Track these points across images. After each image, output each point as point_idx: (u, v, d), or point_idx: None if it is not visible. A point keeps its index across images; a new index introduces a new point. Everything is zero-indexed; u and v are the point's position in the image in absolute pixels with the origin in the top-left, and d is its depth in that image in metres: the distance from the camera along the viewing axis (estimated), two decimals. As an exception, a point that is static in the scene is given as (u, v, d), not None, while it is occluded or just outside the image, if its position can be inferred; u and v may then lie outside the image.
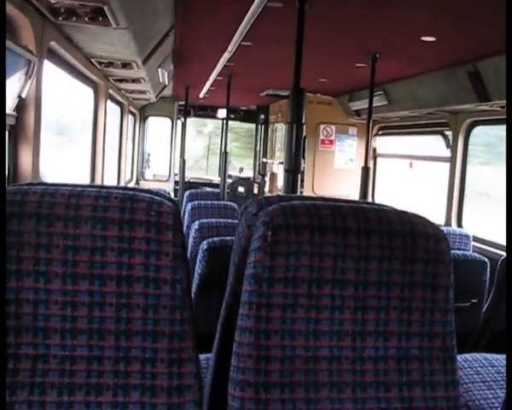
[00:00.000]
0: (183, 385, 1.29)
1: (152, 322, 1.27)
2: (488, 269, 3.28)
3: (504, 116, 4.81)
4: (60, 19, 2.57)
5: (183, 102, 9.20)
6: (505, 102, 4.28)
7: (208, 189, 9.37)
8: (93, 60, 4.03)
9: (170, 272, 1.26)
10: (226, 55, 4.96)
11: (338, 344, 1.33)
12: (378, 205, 1.51)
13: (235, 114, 10.81)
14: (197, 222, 3.86)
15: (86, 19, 2.56)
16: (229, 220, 4.03)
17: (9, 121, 2.53)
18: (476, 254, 3.38)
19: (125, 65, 4.14)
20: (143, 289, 1.26)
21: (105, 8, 2.34)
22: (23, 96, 2.55)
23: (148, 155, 10.71)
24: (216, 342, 1.64)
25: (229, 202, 5.22)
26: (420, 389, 1.37)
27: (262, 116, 10.43)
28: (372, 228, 1.34)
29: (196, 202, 4.92)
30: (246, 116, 10.99)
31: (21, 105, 2.59)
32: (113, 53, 3.65)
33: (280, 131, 8.98)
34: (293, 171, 2.98)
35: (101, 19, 2.57)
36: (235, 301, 1.49)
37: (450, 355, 1.41)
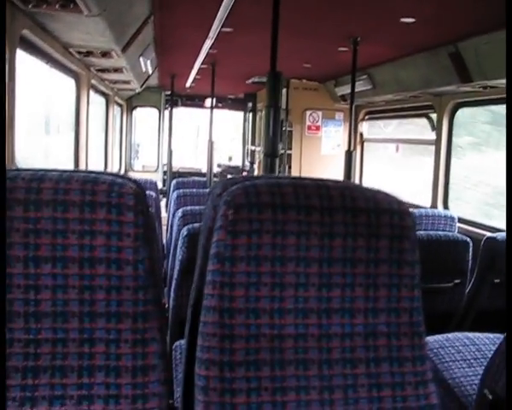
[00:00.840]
0: (147, 365, 1.28)
1: (115, 303, 1.27)
2: (471, 249, 3.29)
3: (487, 97, 4.82)
4: (29, 6, 2.54)
5: (169, 92, 9.18)
6: (489, 82, 4.29)
7: (196, 178, 9.35)
8: (71, 49, 3.99)
9: (132, 253, 1.26)
10: (208, 42, 4.93)
11: (303, 322, 1.32)
12: (343, 182, 1.51)
13: (223, 102, 10.78)
14: (181, 210, 3.85)
15: (57, 6, 2.54)
16: None
17: None
18: (459, 235, 3.39)
19: (105, 54, 4.11)
20: (106, 271, 1.25)
21: (75, -6, 2.33)
22: (-6, 85, 2.53)
23: (138, 145, 10.69)
24: (187, 325, 1.64)
25: None
26: (387, 364, 1.37)
27: (250, 104, 10.41)
28: (336, 205, 1.33)
29: (182, 191, 4.90)
30: (234, 104, 10.96)
31: (-6, 94, 2.57)
32: (90, 41, 3.62)
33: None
34: (272, 154, 2.98)
35: (72, 6, 2.54)
36: (202, 282, 1.49)
37: (418, 331, 1.41)
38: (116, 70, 5.11)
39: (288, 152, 7.79)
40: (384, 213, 1.37)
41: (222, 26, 4.21)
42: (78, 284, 1.25)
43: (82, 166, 4.97)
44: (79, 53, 4.12)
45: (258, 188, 1.32)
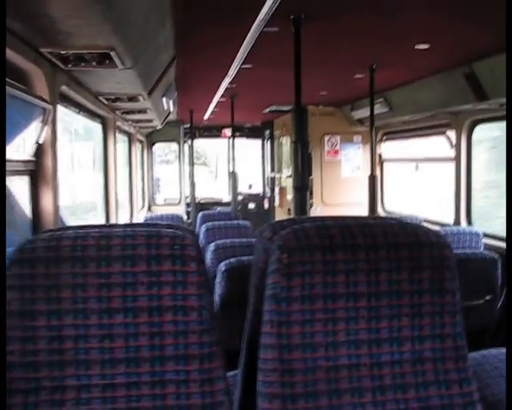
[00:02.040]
0: (215, 402, 1.39)
1: (183, 347, 1.38)
2: (500, 265, 3.35)
3: (503, 113, 4.90)
4: (69, 66, 2.71)
5: (187, 125, 9.38)
6: (504, 100, 4.37)
7: (219, 208, 9.48)
8: (100, 97, 4.18)
9: (196, 300, 1.37)
10: (228, 79, 5.10)
11: (355, 352, 1.43)
12: (383, 218, 1.62)
13: (241, 131, 10.94)
14: (212, 244, 3.97)
15: (94, 63, 2.70)
16: (244, 240, 4.14)
17: (30, 167, 2.67)
18: (486, 252, 3.46)
19: (131, 98, 4.28)
20: (173, 318, 1.37)
21: (111, 53, 2.48)
22: (40, 141, 2.69)
23: (158, 179, 10.87)
24: (242, 360, 1.75)
25: (241, 221, 5.33)
26: (435, 388, 1.46)
27: (267, 132, 10.57)
28: (379, 242, 1.45)
29: (210, 224, 5.03)
30: (251, 133, 11.12)
31: (39, 150, 2.74)
32: (119, 89, 3.79)
33: (285, 145, 9.11)
34: (302, 188, 3.10)
35: (107, 62, 2.71)
36: (256, 320, 1.60)
37: (462, 354, 1.50)
38: (140, 111, 5.29)
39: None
40: (424, 247, 1.48)
41: (241, 64, 4.36)
42: (148, 331, 1.37)
43: (112, 207, 5.14)
44: (107, 99, 4.30)
45: (307, 231, 1.44)
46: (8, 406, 1.33)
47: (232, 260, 3.05)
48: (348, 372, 1.43)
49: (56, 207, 2.80)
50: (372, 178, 4.80)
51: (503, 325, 3.45)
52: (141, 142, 8.97)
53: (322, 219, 1.67)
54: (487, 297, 3.37)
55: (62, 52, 2.49)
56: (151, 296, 1.36)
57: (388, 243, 1.46)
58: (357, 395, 1.42)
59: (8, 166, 2.45)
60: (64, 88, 3.08)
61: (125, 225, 1.46)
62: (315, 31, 3.38)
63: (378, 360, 1.44)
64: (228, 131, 10.66)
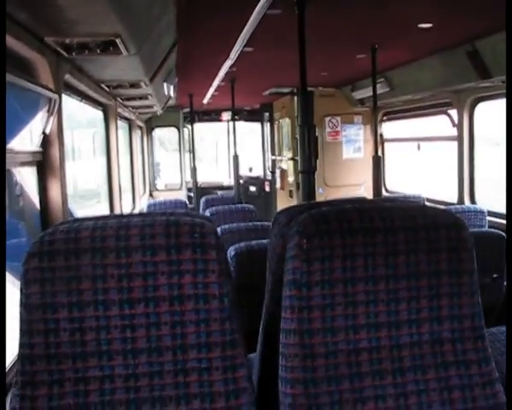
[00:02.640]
0: (238, 389, 1.40)
1: (205, 335, 1.39)
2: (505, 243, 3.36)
3: (505, 90, 4.87)
4: (73, 54, 2.69)
5: (187, 110, 9.33)
6: (505, 81, 4.35)
7: (220, 192, 9.48)
8: (102, 84, 4.16)
9: (217, 288, 1.38)
10: (228, 63, 5.06)
11: (376, 335, 1.44)
12: (400, 201, 1.63)
13: (239, 114, 10.91)
14: (219, 228, 3.97)
15: (98, 51, 2.68)
16: (250, 223, 4.15)
17: (37, 158, 2.66)
18: (493, 230, 3.47)
19: (133, 85, 4.26)
20: (194, 306, 1.37)
21: (117, 40, 2.47)
22: (47, 132, 2.68)
23: (158, 164, 10.85)
24: (260, 345, 1.76)
25: (245, 205, 5.33)
26: (454, 368, 1.47)
27: (266, 114, 10.53)
28: (397, 225, 1.45)
29: (214, 209, 5.03)
30: (250, 116, 11.08)
31: (46, 141, 2.72)
32: (121, 76, 3.77)
33: (285, 127, 9.08)
34: (309, 171, 3.10)
35: (112, 49, 2.69)
36: (274, 305, 1.61)
37: (480, 334, 1.51)
38: (141, 97, 5.27)
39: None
40: (442, 228, 1.48)
41: (243, 47, 4.34)
42: (170, 320, 1.37)
43: (115, 193, 5.13)
44: (109, 86, 4.28)
45: (325, 216, 1.44)
46: (34, 398, 1.34)
47: (241, 244, 3.06)
48: (369, 355, 1.44)
49: (64, 198, 2.80)
50: (377, 159, 4.79)
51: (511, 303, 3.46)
52: (140, 128, 8.94)
53: (339, 202, 1.67)
54: (494, 275, 3.38)
55: (67, 41, 2.47)
56: (172, 285, 1.37)
57: (406, 225, 1.46)
58: (378, 378, 1.44)
59: (16, 158, 2.45)
60: (67, 76, 3.06)
61: (143, 215, 1.46)
62: (318, 12, 3.35)
63: (398, 342, 1.46)
64: (226, 115, 10.63)
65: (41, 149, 2.70)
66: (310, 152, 3.10)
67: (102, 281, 1.35)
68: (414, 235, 1.45)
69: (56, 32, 2.36)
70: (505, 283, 3.44)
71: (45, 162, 2.72)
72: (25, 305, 1.34)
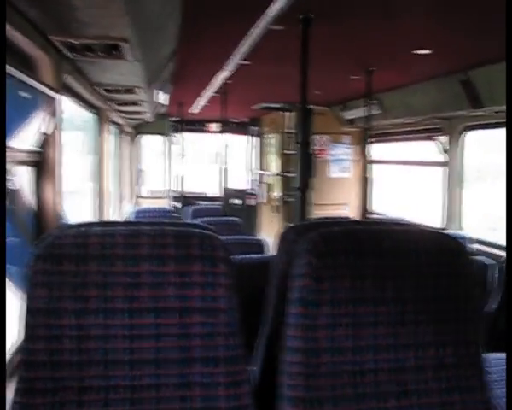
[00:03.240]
0: (241, 405, 1.38)
1: (209, 349, 1.37)
2: (496, 270, 3.40)
3: (496, 121, 4.96)
4: (76, 55, 2.67)
5: (173, 119, 9.31)
6: (499, 108, 4.43)
7: (203, 203, 9.44)
8: (98, 88, 4.12)
9: (225, 302, 1.36)
10: (223, 74, 5.07)
11: (381, 357, 1.44)
12: (407, 225, 1.63)
13: (227, 126, 10.90)
14: None
15: (102, 54, 2.66)
16: (237, 237, 4.14)
17: (35, 158, 2.62)
18: (477, 258, 3.51)
19: (129, 90, 4.24)
20: (201, 319, 1.36)
21: (124, 45, 2.45)
22: (46, 131, 2.64)
23: (141, 171, 10.77)
24: (260, 361, 1.74)
25: (231, 218, 5.32)
26: (457, 394, 1.48)
27: (253, 128, 10.55)
28: (406, 248, 1.46)
29: (203, 219, 5.00)
30: (237, 129, 11.08)
31: (44, 141, 2.69)
32: (120, 81, 3.75)
33: (273, 142, 9.10)
34: (304, 188, 3.10)
35: (115, 53, 2.67)
36: (277, 322, 1.60)
37: (480, 360, 1.52)
38: (134, 103, 5.24)
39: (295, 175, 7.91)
40: (445, 253, 1.49)
41: (240, 60, 4.34)
42: (177, 333, 1.35)
43: (105, 199, 5.09)
44: (105, 90, 4.25)
45: (336, 235, 1.44)
46: (34, 406, 1.30)
47: (232, 257, 3.03)
48: (374, 377, 1.43)
49: (59, 200, 2.75)
50: (365, 180, 4.82)
51: (496, 330, 3.49)
52: (128, 133, 8.90)
53: (345, 222, 1.67)
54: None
55: (72, 41, 2.44)
56: (180, 297, 1.35)
57: (413, 248, 1.47)
58: (383, 400, 1.43)
59: (15, 157, 2.41)
60: (66, 77, 3.03)
61: (153, 224, 1.44)
62: (320, 31, 3.37)
63: (403, 364, 1.45)
64: (213, 126, 10.61)
65: (40, 149, 2.66)
66: (306, 169, 3.11)
67: (110, 289, 1.32)
68: (420, 259, 1.46)
69: (64, 32, 2.33)
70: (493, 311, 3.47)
71: (43, 163, 2.68)
72: (29, 309, 1.31)
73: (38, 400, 1.30)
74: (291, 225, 1.74)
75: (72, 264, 1.30)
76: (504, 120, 4.81)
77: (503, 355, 2.86)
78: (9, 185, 2.50)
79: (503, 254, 4.41)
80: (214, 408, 1.37)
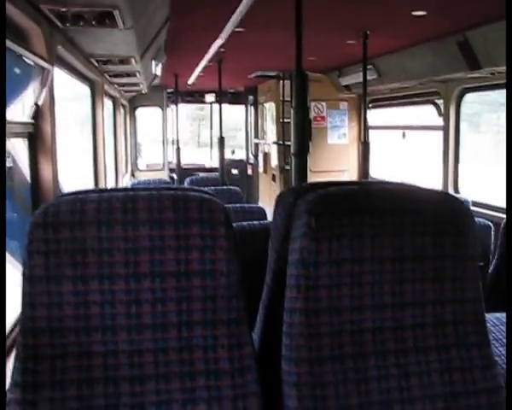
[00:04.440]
0: (244, 367, 1.40)
1: (211, 312, 1.38)
2: (492, 232, 3.41)
3: (493, 82, 4.92)
4: (67, 25, 2.63)
5: (170, 90, 9.23)
6: (496, 69, 4.39)
7: (202, 174, 9.43)
8: (92, 59, 4.08)
9: (225, 264, 1.37)
10: (218, 42, 5.01)
11: (380, 316, 1.45)
12: (407, 185, 1.63)
13: (223, 96, 10.82)
14: None
15: (93, 23, 2.62)
16: (238, 205, 4.14)
17: (28, 129, 2.61)
18: (480, 219, 3.51)
19: (123, 61, 4.19)
20: (201, 282, 1.36)
21: (115, 12, 2.41)
22: (39, 103, 2.62)
23: (139, 144, 10.74)
24: (260, 324, 1.75)
25: (232, 187, 5.31)
26: (455, 350, 1.49)
27: (251, 97, 10.48)
28: (404, 207, 1.46)
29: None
30: (234, 98, 11.02)
31: (38, 113, 2.67)
32: (113, 51, 3.71)
33: (270, 110, 9.05)
34: (302, 154, 3.09)
35: (107, 22, 2.63)
36: (277, 284, 1.60)
37: (481, 318, 1.54)
38: (129, 74, 5.19)
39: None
40: (448, 213, 1.49)
41: (234, 27, 4.29)
42: (176, 296, 1.36)
43: (101, 172, 5.07)
44: (98, 61, 4.20)
45: (334, 195, 1.44)
46: (36, 371, 1.31)
47: (233, 225, 3.04)
48: (372, 336, 1.45)
49: (55, 172, 2.75)
50: (364, 145, 4.81)
51: (494, 291, 3.52)
52: (124, 106, 8.83)
53: (342, 183, 1.66)
54: (480, 264, 3.42)
55: (62, 9, 2.41)
56: (179, 261, 1.35)
57: (413, 207, 1.47)
58: (381, 358, 1.45)
59: (8, 128, 2.39)
60: (59, 48, 3.00)
61: (150, 189, 1.44)
62: None
63: (401, 323, 1.47)
64: (209, 97, 10.54)
65: (32, 121, 2.64)
66: (303, 135, 3.09)
67: (108, 254, 1.32)
68: (420, 217, 1.46)
69: (54, 1, 2.30)
70: (491, 269, 3.49)
71: (37, 135, 2.67)
72: (28, 277, 1.31)
73: (39, 366, 1.31)
74: (289, 187, 1.73)
75: (69, 230, 1.30)
76: (503, 82, 4.78)
77: (500, 315, 2.89)
78: (7, 162, 2.49)
79: (502, 215, 4.41)
80: (216, 370, 1.38)
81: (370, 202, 1.44)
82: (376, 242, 1.42)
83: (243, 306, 1.41)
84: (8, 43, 2.12)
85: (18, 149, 2.63)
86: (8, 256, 2.34)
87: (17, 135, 2.54)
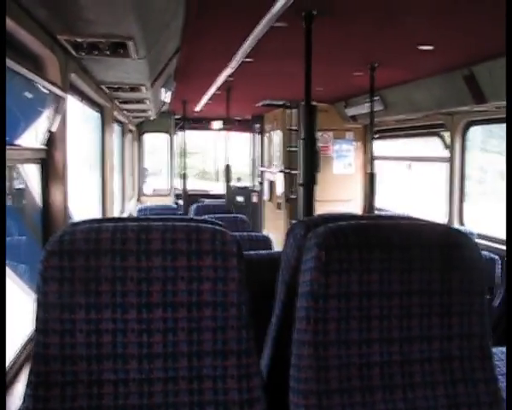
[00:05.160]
0: (253, 398, 1.40)
1: (221, 342, 1.39)
2: (499, 265, 3.42)
3: (498, 116, 4.97)
4: (82, 54, 2.69)
5: (178, 116, 9.32)
6: (504, 102, 4.43)
7: (207, 200, 9.47)
8: (103, 86, 4.14)
9: (236, 296, 1.38)
10: (227, 71, 5.08)
11: (388, 350, 1.46)
12: (416, 219, 1.65)
13: (230, 124, 10.91)
14: None
15: (107, 52, 2.68)
16: (245, 233, 4.15)
17: (41, 155, 2.65)
18: (486, 253, 3.53)
19: (133, 88, 4.25)
20: (212, 313, 1.38)
21: (129, 42, 2.47)
22: (53, 130, 2.66)
23: (146, 169, 10.81)
24: (268, 355, 1.76)
25: (238, 215, 5.33)
26: (463, 386, 1.49)
27: (257, 125, 10.56)
28: (413, 242, 1.47)
29: (206, 217, 5.00)
30: (240, 126, 11.10)
31: (51, 140, 2.71)
32: (124, 79, 3.77)
33: (276, 139, 9.11)
34: (309, 184, 3.12)
35: (121, 51, 2.69)
36: (285, 315, 1.61)
37: (488, 353, 1.54)
38: (138, 101, 5.26)
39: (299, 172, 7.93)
40: (455, 248, 1.51)
41: (244, 57, 4.35)
42: (187, 327, 1.37)
43: (109, 198, 5.11)
44: (109, 88, 4.27)
45: (344, 229, 1.46)
46: (46, 398, 1.32)
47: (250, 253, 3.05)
48: (380, 369, 1.45)
49: (66, 199, 2.78)
50: (371, 176, 4.84)
51: (501, 325, 3.51)
52: (131, 131, 8.91)
53: (353, 217, 1.69)
54: (487, 297, 3.43)
55: (79, 40, 2.46)
56: (191, 291, 1.37)
57: (421, 243, 1.49)
58: (389, 392, 1.45)
59: (22, 154, 2.43)
60: (72, 76, 3.05)
61: (164, 219, 1.46)
62: (323, 28, 3.38)
63: (409, 357, 1.47)
64: (216, 124, 10.63)
65: (45, 147, 2.68)
66: (311, 166, 3.12)
67: (121, 283, 1.34)
68: (428, 253, 1.48)
69: (70, 31, 2.35)
70: (498, 302, 3.49)
71: (49, 161, 2.70)
72: (42, 303, 1.33)
73: (50, 393, 1.32)
74: (300, 220, 1.75)
75: (83, 259, 1.32)
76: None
77: (506, 350, 2.88)
78: (17, 184, 2.52)
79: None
80: (225, 401, 1.39)
81: (380, 236, 1.46)
82: (385, 276, 1.44)
83: (253, 337, 1.42)
84: (24, 71, 2.17)
85: (29, 174, 2.67)
86: (17, 279, 2.36)
87: (30, 161, 2.58)
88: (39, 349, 1.33)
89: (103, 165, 5.10)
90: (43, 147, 2.66)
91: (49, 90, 2.55)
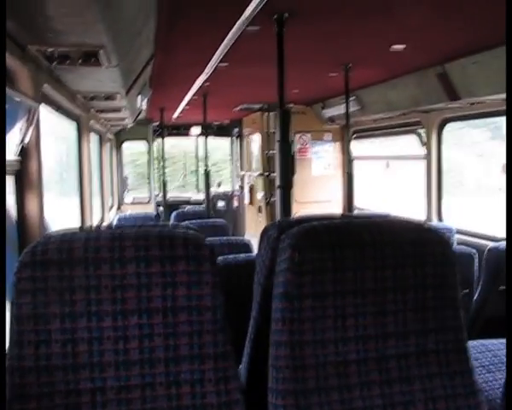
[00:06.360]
0: (231, 401, 1.41)
1: (197, 346, 1.39)
2: (476, 260, 3.45)
3: (473, 112, 5.04)
4: (53, 64, 2.67)
5: (156, 123, 9.30)
6: (477, 98, 4.50)
7: (188, 207, 9.44)
8: (78, 95, 4.12)
9: (210, 300, 1.39)
10: (202, 77, 5.09)
11: (364, 347, 1.47)
12: (387, 217, 1.67)
13: (209, 129, 10.91)
14: None
15: (79, 62, 2.67)
16: (224, 238, 4.14)
17: (15, 167, 2.62)
18: (463, 247, 3.56)
19: (109, 97, 4.24)
20: (188, 318, 1.38)
21: (100, 51, 2.46)
22: (26, 142, 2.64)
23: (126, 178, 10.75)
24: (247, 357, 1.77)
25: (218, 220, 5.32)
26: (439, 379, 1.51)
27: (236, 129, 10.58)
28: (385, 240, 1.49)
29: (185, 223, 4.99)
30: (219, 131, 11.11)
31: (24, 151, 2.69)
32: (99, 88, 3.76)
33: (255, 142, 9.13)
34: (286, 187, 3.14)
35: (93, 60, 2.68)
36: (263, 317, 1.62)
37: (463, 346, 1.56)
38: (115, 110, 5.24)
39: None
40: (427, 244, 1.53)
41: (218, 62, 4.36)
42: (163, 332, 1.38)
43: (87, 208, 5.07)
44: (84, 97, 4.25)
45: (317, 230, 1.47)
46: None
47: (219, 258, 3.05)
48: (357, 367, 1.46)
49: (41, 209, 2.75)
50: (349, 176, 4.87)
51: (480, 318, 3.55)
52: (110, 140, 8.86)
53: (326, 217, 1.70)
54: (465, 291, 3.46)
55: (49, 50, 2.45)
56: (166, 297, 1.37)
57: (394, 240, 1.50)
58: (366, 389, 1.46)
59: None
60: (45, 86, 3.03)
61: (136, 227, 1.46)
62: (295, 30, 3.41)
63: (385, 353, 1.49)
64: (194, 130, 10.62)
65: (19, 158, 2.66)
66: (287, 168, 3.14)
67: (96, 292, 1.34)
68: (401, 250, 1.50)
69: (40, 42, 2.34)
70: (475, 297, 3.53)
71: (23, 172, 2.68)
72: (15, 315, 1.32)
73: (26, 406, 1.31)
74: (273, 221, 1.77)
75: (57, 269, 1.32)
76: (481, 111, 4.89)
77: (486, 342, 2.92)
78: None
79: (487, 243, 4.47)
80: (204, 405, 1.39)
81: (352, 235, 1.47)
82: (358, 274, 1.45)
83: (229, 340, 1.43)
84: None
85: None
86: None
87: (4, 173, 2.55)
88: (14, 362, 1.32)
89: (81, 174, 5.07)
90: (16, 158, 2.63)
91: (21, 102, 2.53)
